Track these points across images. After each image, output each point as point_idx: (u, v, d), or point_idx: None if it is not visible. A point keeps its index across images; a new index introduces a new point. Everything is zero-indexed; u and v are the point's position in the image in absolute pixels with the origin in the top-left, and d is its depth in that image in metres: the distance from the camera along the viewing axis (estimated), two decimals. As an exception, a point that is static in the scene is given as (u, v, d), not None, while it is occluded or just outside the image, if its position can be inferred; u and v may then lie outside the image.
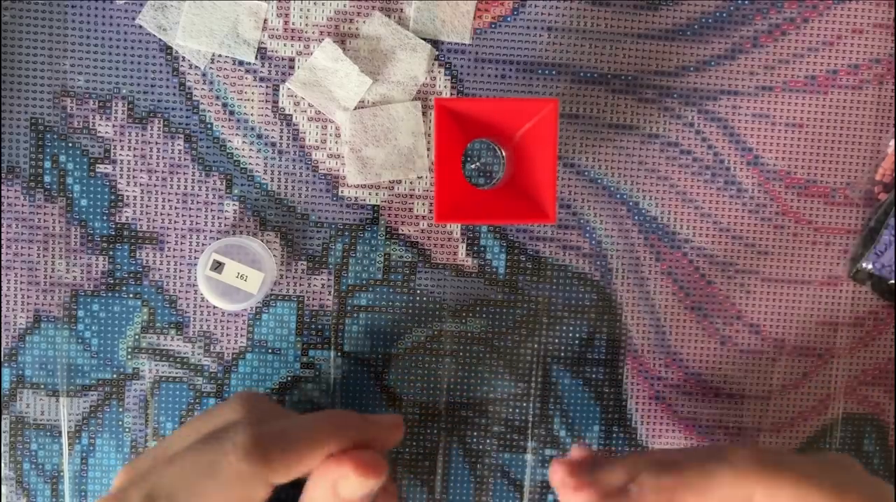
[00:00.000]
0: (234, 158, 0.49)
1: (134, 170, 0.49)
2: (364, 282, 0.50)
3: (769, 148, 0.49)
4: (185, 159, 0.49)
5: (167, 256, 0.49)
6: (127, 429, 0.50)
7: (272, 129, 0.49)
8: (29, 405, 0.50)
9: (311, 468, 0.40)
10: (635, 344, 0.50)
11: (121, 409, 0.50)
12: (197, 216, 0.49)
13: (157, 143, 0.49)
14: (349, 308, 0.50)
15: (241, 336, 0.50)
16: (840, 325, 0.50)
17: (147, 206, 0.49)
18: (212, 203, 0.49)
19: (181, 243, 0.49)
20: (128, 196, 0.49)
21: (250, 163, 0.49)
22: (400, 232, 0.49)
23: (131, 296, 0.49)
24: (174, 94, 0.48)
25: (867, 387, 0.51)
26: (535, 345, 0.50)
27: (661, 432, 0.51)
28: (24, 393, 0.49)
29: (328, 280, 0.50)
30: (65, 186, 0.49)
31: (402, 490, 0.51)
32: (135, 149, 0.49)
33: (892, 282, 0.49)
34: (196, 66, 0.48)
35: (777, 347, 0.50)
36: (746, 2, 0.49)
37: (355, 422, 0.42)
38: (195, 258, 0.49)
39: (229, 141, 0.49)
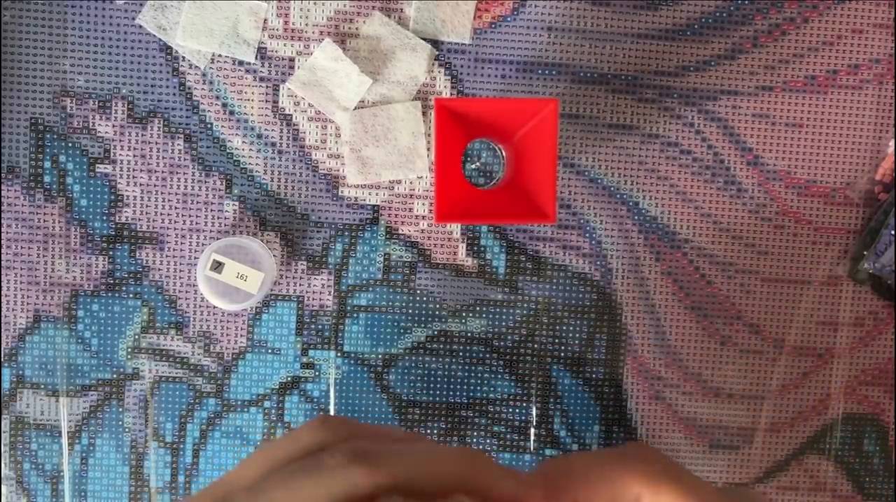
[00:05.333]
0: (234, 158, 0.49)
1: (134, 170, 0.49)
2: (364, 282, 0.50)
3: (769, 148, 0.49)
4: (185, 159, 0.49)
5: (167, 256, 0.49)
6: (127, 429, 0.50)
7: (272, 129, 0.49)
8: (29, 405, 0.50)
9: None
10: (635, 344, 0.50)
11: (121, 409, 0.50)
12: (197, 216, 0.49)
13: (157, 143, 0.49)
14: (349, 308, 0.50)
15: (241, 336, 0.50)
16: (840, 325, 0.50)
17: (147, 206, 0.49)
18: (212, 203, 0.49)
19: (181, 243, 0.49)
20: (128, 196, 0.49)
21: (250, 163, 0.49)
22: (400, 232, 0.49)
23: (131, 296, 0.49)
24: (174, 94, 0.48)
25: (867, 387, 0.51)
26: (535, 345, 0.50)
27: (661, 432, 0.51)
28: (24, 393, 0.49)
29: (328, 280, 0.50)
30: (65, 186, 0.49)
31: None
32: (135, 149, 0.49)
33: (892, 282, 0.49)
34: (196, 66, 0.48)
35: (777, 347, 0.50)
36: (746, 2, 0.49)
37: (490, 471, 0.33)
38: (195, 258, 0.49)
39: (229, 141, 0.49)
